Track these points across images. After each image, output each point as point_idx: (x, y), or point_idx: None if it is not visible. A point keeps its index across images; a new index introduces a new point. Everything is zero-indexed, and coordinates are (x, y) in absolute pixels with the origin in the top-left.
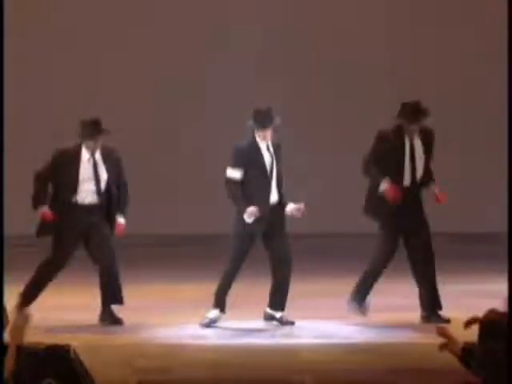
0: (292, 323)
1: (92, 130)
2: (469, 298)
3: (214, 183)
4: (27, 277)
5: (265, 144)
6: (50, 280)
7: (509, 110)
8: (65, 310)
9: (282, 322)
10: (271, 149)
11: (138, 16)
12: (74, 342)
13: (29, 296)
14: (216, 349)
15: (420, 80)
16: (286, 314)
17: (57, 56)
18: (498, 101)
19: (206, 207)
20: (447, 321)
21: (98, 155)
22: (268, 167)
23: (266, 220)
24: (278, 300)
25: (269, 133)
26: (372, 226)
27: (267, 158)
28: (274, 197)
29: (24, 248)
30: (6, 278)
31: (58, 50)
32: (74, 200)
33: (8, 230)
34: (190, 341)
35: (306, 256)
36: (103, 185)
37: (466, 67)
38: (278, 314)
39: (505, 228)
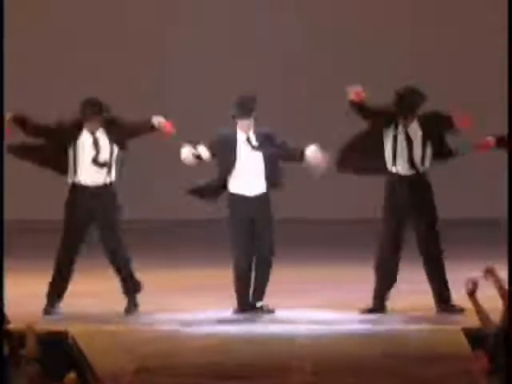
0: (272, 312)
1: (91, 110)
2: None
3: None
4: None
5: (244, 135)
6: (68, 266)
7: (509, 102)
8: (63, 297)
9: (263, 311)
10: (252, 140)
11: (137, 11)
12: (73, 328)
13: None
14: (216, 335)
15: (420, 77)
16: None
17: (57, 56)
18: (498, 89)
19: None
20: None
21: (98, 133)
22: (240, 159)
23: (252, 208)
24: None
25: (248, 124)
26: (372, 213)
27: (242, 150)
28: (252, 189)
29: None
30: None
31: (58, 49)
32: (76, 181)
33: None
34: (189, 327)
35: (305, 243)
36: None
37: (467, 63)
38: (258, 304)
39: (504, 213)
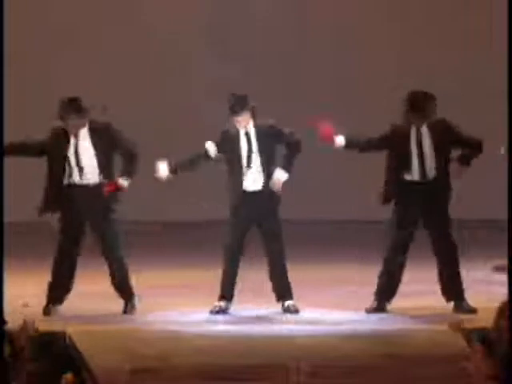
0: (297, 311)
1: (65, 109)
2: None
3: (213, 171)
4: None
5: (243, 130)
6: (64, 266)
7: (509, 101)
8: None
9: (288, 310)
10: (252, 135)
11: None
12: (70, 328)
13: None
14: (212, 336)
15: (420, 78)
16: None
17: (56, 55)
18: (499, 91)
19: (202, 194)
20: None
21: (83, 134)
22: (243, 154)
23: (252, 208)
24: (275, 289)
25: (242, 119)
26: (370, 214)
27: (243, 144)
28: (257, 184)
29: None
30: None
31: (58, 49)
32: (71, 182)
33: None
34: (186, 328)
35: (305, 243)
36: (89, 165)
37: (467, 65)
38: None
39: (504, 215)
